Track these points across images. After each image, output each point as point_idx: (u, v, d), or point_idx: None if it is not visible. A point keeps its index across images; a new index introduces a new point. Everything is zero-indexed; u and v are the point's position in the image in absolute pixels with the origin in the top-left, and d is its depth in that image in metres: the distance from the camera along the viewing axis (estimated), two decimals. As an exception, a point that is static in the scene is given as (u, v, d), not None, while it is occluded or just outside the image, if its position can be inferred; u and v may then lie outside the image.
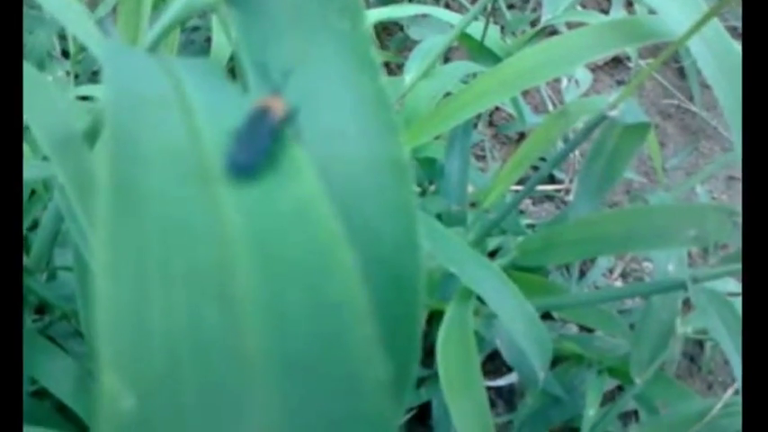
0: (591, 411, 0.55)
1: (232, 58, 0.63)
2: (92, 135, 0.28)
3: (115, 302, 0.13)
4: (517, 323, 0.48)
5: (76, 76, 0.69)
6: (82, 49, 0.68)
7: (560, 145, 0.80)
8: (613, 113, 0.46)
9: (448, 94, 0.60)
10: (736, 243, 0.63)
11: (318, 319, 0.14)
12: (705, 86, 1.03)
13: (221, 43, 0.63)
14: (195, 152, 0.16)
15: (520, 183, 0.70)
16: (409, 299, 0.17)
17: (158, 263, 0.14)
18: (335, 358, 0.14)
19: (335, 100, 0.19)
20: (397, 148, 0.18)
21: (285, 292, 0.14)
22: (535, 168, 0.83)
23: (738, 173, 0.94)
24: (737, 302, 0.46)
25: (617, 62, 1.06)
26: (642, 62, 0.98)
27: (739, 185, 0.94)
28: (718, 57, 0.39)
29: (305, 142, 0.17)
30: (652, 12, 0.46)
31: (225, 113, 0.18)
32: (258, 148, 0.18)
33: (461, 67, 0.61)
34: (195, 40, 0.80)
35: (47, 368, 0.44)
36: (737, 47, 0.39)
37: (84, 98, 0.58)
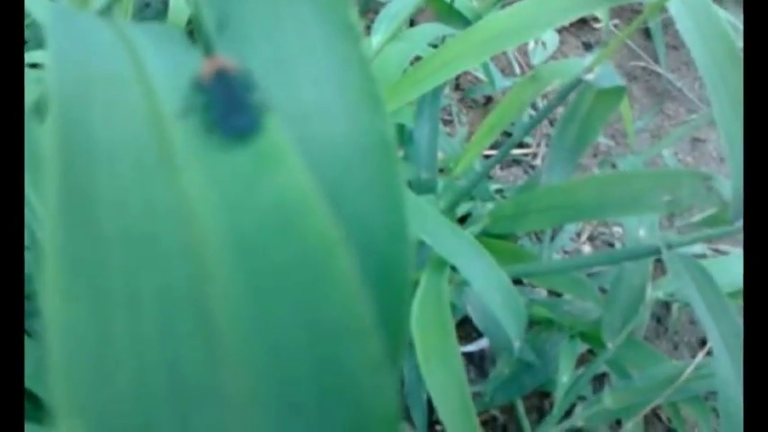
0: (564, 378, 0.55)
1: (191, 22, 0.60)
2: (41, 108, 0.25)
3: (72, 334, 0.11)
4: (492, 292, 0.48)
5: (26, 42, 0.65)
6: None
7: (528, 109, 0.79)
8: (589, 77, 0.45)
9: (417, 57, 0.58)
10: (703, 208, 0.63)
11: (314, 345, 0.12)
12: (670, 47, 1.03)
13: (179, 5, 0.60)
14: (158, 139, 0.14)
15: (489, 148, 0.69)
16: (398, 286, 0.15)
17: (122, 282, 0.12)
18: (337, 390, 0.12)
19: (314, 70, 0.17)
20: (382, 122, 0.16)
21: (273, 312, 0.12)
22: (504, 134, 0.83)
23: (703, 135, 0.95)
24: (709, 265, 0.46)
25: (583, 23, 1.05)
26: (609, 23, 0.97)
27: (704, 147, 0.95)
28: (697, 19, 0.38)
29: (281, 118, 0.15)
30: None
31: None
32: (247, 108, 0.16)
33: (431, 29, 0.59)
34: (151, 3, 0.77)
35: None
36: (716, 9, 0.38)
37: (35, 65, 0.55)
